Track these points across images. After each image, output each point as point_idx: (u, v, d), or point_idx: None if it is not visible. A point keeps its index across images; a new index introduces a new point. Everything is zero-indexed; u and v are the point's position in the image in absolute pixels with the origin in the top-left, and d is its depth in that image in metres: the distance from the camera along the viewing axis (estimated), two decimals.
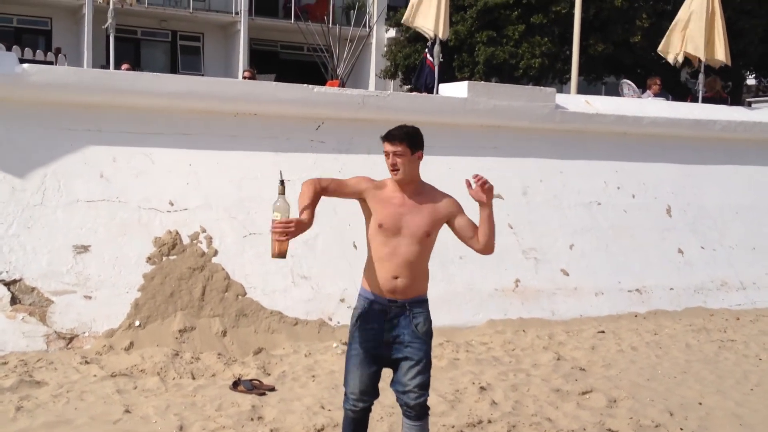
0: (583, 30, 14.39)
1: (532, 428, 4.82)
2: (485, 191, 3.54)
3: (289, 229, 3.29)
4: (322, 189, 3.53)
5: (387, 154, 3.57)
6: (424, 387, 3.61)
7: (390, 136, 3.55)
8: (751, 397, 5.61)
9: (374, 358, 3.62)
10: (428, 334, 3.64)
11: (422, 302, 3.66)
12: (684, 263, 8.81)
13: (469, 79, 18.89)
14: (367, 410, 3.72)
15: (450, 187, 7.89)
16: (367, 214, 3.64)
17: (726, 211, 9.48)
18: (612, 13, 18.99)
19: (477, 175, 3.57)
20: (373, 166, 6.03)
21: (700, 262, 8.91)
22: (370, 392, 3.66)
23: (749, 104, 16.28)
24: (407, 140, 3.53)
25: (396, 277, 3.55)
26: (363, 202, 3.64)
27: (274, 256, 3.42)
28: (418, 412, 3.63)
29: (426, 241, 3.58)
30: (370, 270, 3.64)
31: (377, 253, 3.59)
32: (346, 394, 3.69)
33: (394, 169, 3.55)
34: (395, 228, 3.55)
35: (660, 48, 11.24)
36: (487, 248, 3.62)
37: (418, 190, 3.62)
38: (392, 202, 3.58)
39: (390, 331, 3.59)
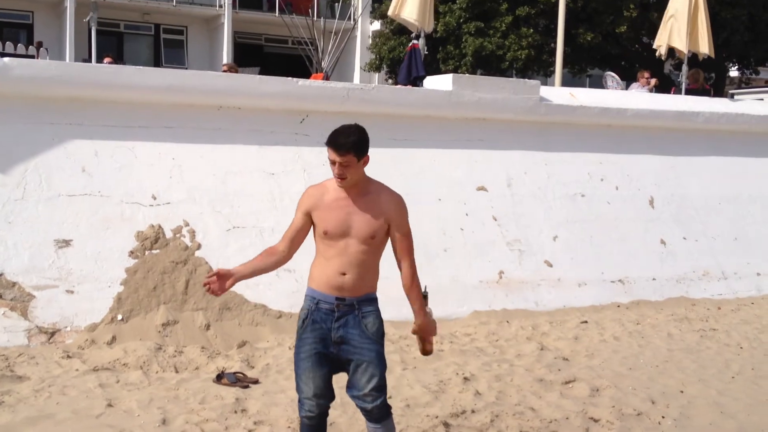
0: (570, 20, 14.41)
1: (515, 418, 4.85)
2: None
3: None
4: (278, 252, 3.58)
5: (333, 162, 3.39)
6: (380, 389, 3.48)
7: (337, 146, 3.35)
8: (732, 386, 5.67)
9: (325, 359, 3.48)
10: (379, 333, 3.51)
11: (371, 300, 3.54)
12: (667, 254, 8.87)
13: (454, 71, 18.94)
14: (324, 415, 3.58)
15: (434, 179, 8.02)
16: (315, 223, 3.54)
17: (708, 202, 9.55)
18: (599, 3, 19.05)
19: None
20: None
21: (683, 252, 8.98)
22: (326, 394, 3.52)
23: (732, 96, 16.37)
24: (353, 149, 3.35)
25: (344, 274, 3.44)
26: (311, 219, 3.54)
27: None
28: (377, 414, 3.52)
29: (372, 242, 3.45)
30: (316, 269, 3.54)
31: (325, 254, 3.50)
32: (300, 401, 3.54)
33: (341, 177, 3.40)
34: (342, 231, 3.44)
35: (655, 44, 11.37)
36: (406, 285, 3.63)
37: (363, 190, 3.48)
38: (338, 204, 3.46)
39: (337, 331, 3.45)
